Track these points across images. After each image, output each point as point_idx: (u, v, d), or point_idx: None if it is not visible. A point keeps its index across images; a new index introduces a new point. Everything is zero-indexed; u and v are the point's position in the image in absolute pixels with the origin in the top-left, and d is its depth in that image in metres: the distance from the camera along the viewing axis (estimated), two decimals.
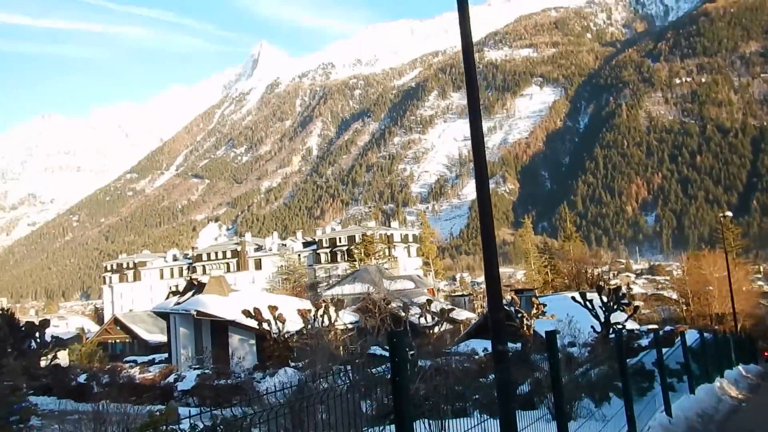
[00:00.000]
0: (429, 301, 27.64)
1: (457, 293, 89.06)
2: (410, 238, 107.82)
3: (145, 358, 41.95)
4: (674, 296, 65.36)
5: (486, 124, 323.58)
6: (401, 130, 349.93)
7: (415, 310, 49.53)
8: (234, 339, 25.91)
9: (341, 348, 32.34)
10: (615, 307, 22.67)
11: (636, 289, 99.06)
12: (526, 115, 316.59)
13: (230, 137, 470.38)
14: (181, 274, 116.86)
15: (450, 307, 39.09)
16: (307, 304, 25.82)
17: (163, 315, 31.50)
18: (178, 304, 28.68)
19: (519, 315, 23.82)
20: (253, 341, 25.31)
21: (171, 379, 20.23)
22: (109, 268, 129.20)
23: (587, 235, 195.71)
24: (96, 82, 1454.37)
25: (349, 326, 28.38)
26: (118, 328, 53.29)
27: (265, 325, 20.59)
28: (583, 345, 29.03)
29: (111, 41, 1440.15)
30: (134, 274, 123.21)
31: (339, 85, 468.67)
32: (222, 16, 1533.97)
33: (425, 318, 28.20)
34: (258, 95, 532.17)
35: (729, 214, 42.04)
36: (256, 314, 19.79)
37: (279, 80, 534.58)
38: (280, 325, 19.66)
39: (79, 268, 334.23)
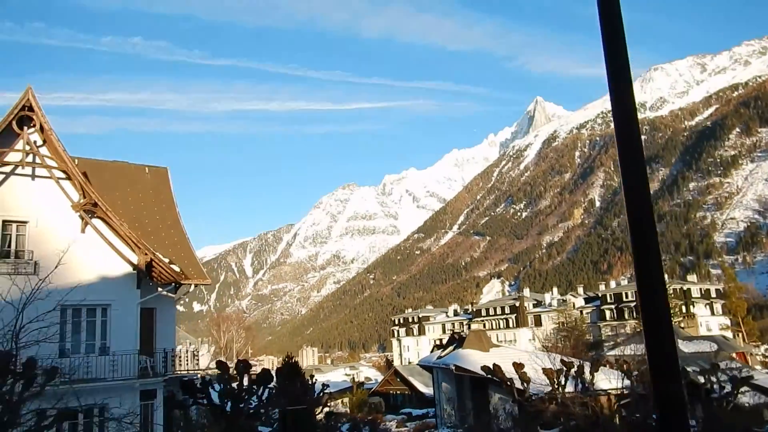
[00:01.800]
0: (715, 366, 22.33)
1: None
2: (713, 294, 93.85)
3: (420, 411, 42.19)
4: None
5: None
6: (697, 175, 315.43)
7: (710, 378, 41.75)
8: (494, 398, 24.01)
9: (616, 416, 28.04)
10: None
11: None
12: None
13: (509, 194, 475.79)
14: (461, 329, 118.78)
15: (747, 374, 31.85)
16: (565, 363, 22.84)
17: (428, 368, 31.11)
18: (440, 357, 27.94)
19: None
20: (514, 401, 23.13)
21: None
22: (396, 322, 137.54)
23: None
24: (386, 152, 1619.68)
25: (626, 392, 24.41)
26: (398, 379, 55.04)
27: (516, 384, 18.36)
28: None
29: (398, 115, 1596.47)
30: (419, 327, 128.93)
31: None
32: (496, 79, 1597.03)
33: (711, 386, 22.80)
34: (535, 150, 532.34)
35: None
36: (496, 371, 17.80)
37: (556, 133, 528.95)
38: (525, 384, 17.29)
39: (376, 321, 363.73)
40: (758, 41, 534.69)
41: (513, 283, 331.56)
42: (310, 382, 29.17)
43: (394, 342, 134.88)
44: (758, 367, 55.40)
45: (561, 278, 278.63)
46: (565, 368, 17.12)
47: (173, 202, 24.70)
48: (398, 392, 54.67)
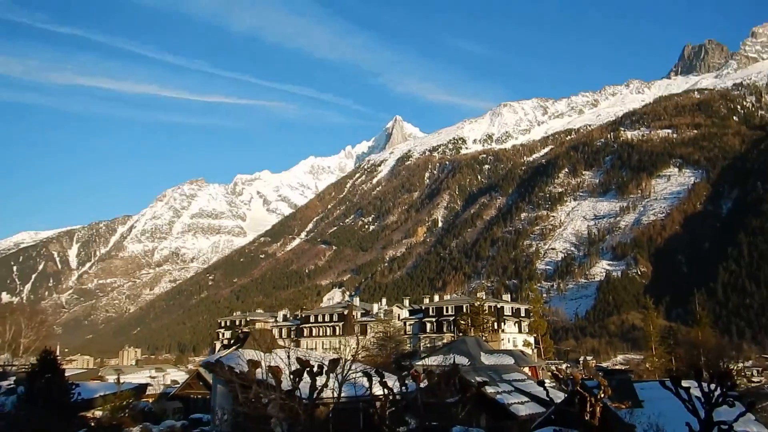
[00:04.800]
0: (455, 371, 23.16)
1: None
2: (522, 313, 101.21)
3: (210, 417, 40.12)
4: None
5: (618, 204, 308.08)
6: (529, 206, 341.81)
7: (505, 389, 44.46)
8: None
9: (386, 422, 28.45)
10: (720, 399, 17.41)
11: None
12: (663, 196, 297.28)
13: (359, 206, 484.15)
14: (289, 335, 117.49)
15: (482, 380, 34.57)
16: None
17: (211, 369, 29.54)
18: (220, 358, 26.58)
19: (577, 398, 19.25)
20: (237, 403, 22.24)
21: None
22: (223, 324, 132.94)
23: (728, 327, 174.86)
24: (240, 151, 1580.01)
25: (398, 397, 24.82)
26: (201, 383, 52.25)
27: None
28: None
29: (257, 114, 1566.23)
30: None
31: (468, 159, 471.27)
32: (359, 92, 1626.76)
33: (442, 394, 23.65)
34: (389, 167, 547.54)
35: None
36: (216, 369, 16.91)
37: (410, 153, 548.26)
38: (250, 385, 16.52)
39: (210, 324, 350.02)
40: (591, 93, 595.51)
41: (353, 293, 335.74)
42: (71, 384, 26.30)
43: (218, 345, 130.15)
44: (547, 381, 59.91)
45: (399, 292, 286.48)
46: (300, 368, 16.44)
47: None
48: (200, 396, 51.92)
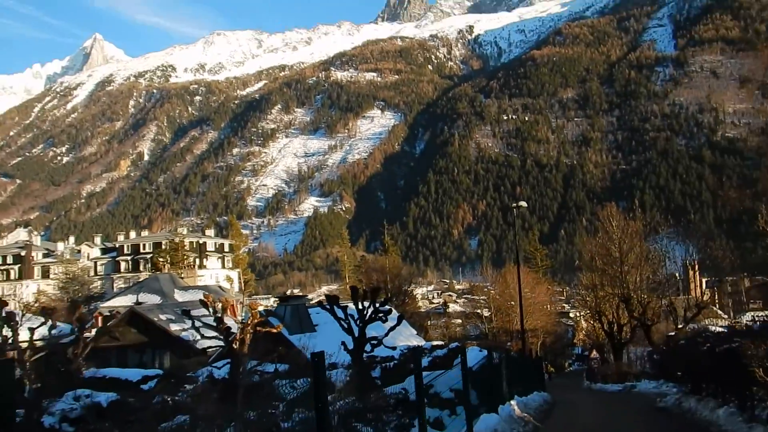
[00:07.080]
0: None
1: None
2: (227, 248, 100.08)
3: None
4: (487, 314, 64.48)
5: (327, 143, 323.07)
6: (241, 142, 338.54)
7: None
8: None
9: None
10: (373, 316, 18.09)
11: (457, 308, 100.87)
12: (367, 136, 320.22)
13: (50, 135, 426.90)
14: None
15: (168, 318, 34.07)
16: None
17: None
18: None
19: (226, 327, 18.66)
20: None
21: None
22: None
23: (416, 256, 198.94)
24: None
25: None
26: None
27: None
28: (348, 367, 24.38)
29: None
30: None
31: (178, 89, 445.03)
32: (51, 2, 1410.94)
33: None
34: (87, 91, 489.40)
35: (523, 203, 39.92)
36: None
37: (112, 77, 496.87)
38: None
39: None
40: (306, 31, 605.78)
41: (43, 233, 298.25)
42: None
43: None
44: (244, 314, 60.11)
45: (98, 231, 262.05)
46: None
47: None
48: None
